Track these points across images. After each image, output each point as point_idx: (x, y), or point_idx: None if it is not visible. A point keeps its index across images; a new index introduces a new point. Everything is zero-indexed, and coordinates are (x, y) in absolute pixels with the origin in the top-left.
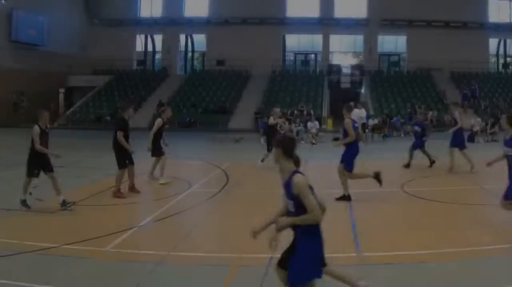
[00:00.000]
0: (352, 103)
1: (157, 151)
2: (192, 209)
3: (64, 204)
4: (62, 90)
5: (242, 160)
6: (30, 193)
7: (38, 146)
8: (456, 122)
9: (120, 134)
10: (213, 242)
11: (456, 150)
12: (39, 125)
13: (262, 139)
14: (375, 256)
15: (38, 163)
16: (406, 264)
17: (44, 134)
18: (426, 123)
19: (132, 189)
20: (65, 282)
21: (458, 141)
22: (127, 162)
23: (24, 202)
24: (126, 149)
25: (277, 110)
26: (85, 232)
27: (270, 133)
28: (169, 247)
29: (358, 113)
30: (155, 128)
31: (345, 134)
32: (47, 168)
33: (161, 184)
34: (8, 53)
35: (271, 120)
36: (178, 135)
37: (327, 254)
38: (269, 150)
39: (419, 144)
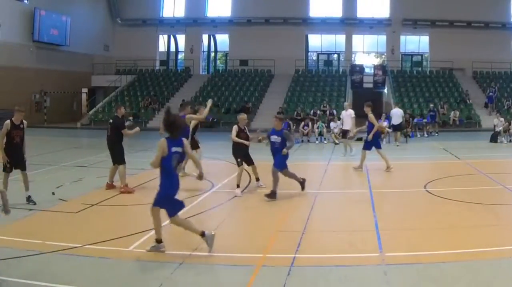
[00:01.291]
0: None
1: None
2: (214, 209)
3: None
4: (85, 90)
5: (265, 159)
6: (53, 193)
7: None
8: (371, 125)
9: (124, 132)
10: (235, 242)
11: (368, 152)
12: (11, 120)
13: None
14: (398, 256)
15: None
16: (428, 264)
17: (17, 130)
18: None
19: (111, 186)
20: (88, 282)
21: (374, 143)
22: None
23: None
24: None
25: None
26: (107, 232)
27: None
28: (191, 247)
29: (351, 114)
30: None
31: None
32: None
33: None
34: (31, 53)
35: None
36: (201, 135)
37: (350, 254)
38: None
39: (367, 146)
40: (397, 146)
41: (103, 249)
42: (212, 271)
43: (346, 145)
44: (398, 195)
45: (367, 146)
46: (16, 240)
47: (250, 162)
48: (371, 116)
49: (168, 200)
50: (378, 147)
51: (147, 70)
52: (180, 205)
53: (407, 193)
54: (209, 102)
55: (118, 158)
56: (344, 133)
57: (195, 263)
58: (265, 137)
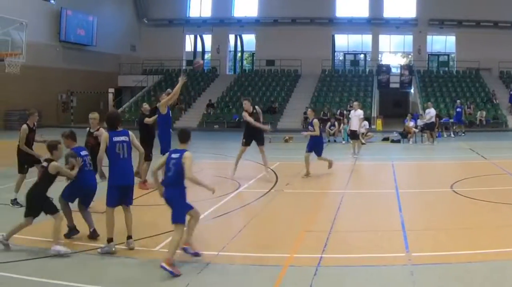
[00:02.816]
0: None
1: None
2: (241, 209)
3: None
4: (111, 90)
5: (292, 159)
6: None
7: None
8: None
9: (146, 121)
10: (262, 242)
11: (312, 155)
12: (27, 124)
13: None
14: (424, 256)
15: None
16: (455, 264)
17: (31, 133)
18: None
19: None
20: (115, 282)
21: (317, 149)
22: (151, 155)
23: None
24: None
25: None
26: (134, 232)
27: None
28: (218, 247)
29: (360, 115)
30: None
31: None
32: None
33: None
34: (58, 53)
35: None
36: (228, 135)
37: (376, 254)
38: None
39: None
40: (431, 144)
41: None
42: (239, 271)
43: (355, 145)
44: (425, 195)
45: (309, 148)
46: (42, 240)
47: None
48: (315, 121)
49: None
50: (319, 154)
51: (173, 70)
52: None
53: (434, 193)
54: (182, 79)
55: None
56: (352, 133)
57: (222, 263)
58: (291, 137)
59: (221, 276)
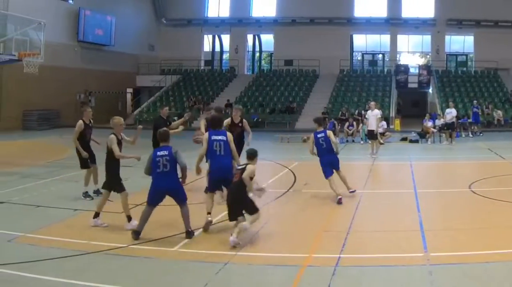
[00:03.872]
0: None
1: None
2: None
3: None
4: (129, 90)
5: (310, 159)
6: (100, 193)
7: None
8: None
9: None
10: (280, 242)
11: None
12: (83, 120)
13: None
14: (443, 256)
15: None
16: (473, 264)
17: (87, 129)
18: None
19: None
20: (133, 282)
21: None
22: None
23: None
24: None
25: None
26: (152, 232)
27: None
28: (236, 247)
29: (377, 114)
30: None
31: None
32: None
33: None
34: (76, 53)
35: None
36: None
37: (395, 254)
38: None
39: None
40: (449, 144)
41: (148, 249)
42: (257, 271)
43: (374, 145)
44: (443, 195)
45: None
46: (61, 240)
47: None
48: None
49: None
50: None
51: (192, 70)
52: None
53: (452, 193)
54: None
55: None
56: (370, 133)
57: (240, 263)
58: (309, 137)
59: (239, 276)
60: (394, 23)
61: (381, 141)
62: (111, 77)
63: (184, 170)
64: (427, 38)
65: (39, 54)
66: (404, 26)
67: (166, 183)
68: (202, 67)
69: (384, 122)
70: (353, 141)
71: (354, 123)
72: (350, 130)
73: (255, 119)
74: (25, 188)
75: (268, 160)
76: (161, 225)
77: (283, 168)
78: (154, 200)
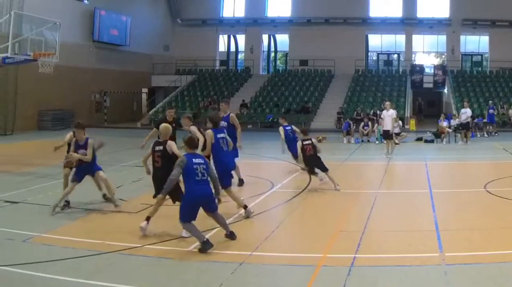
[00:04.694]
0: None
1: None
2: (274, 209)
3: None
4: (145, 90)
5: (325, 160)
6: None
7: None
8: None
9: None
10: (295, 242)
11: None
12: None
13: (345, 139)
14: (458, 256)
15: None
16: (489, 264)
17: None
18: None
19: None
20: (148, 282)
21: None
22: None
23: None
24: None
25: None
26: (167, 232)
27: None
28: (251, 247)
29: (392, 114)
30: None
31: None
32: None
33: None
34: (91, 53)
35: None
36: (261, 135)
37: (410, 254)
38: None
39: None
40: (464, 144)
41: (163, 249)
42: (272, 271)
43: (389, 145)
44: (458, 195)
45: None
46: (76, 240)
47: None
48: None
49: None
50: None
51: (207, 70)
52: None
53: (467, 193)
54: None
55: None
56: (385, 133)
57: (255, 264)
58: (325, 137)
59: (254, 276)
60: (409, 23)
61: (397, 141)
62: (126, 77)
63: (216, 181)
64: (442, 38)
65: (54, 54)
66: (419, 26)
67: (204, 191)
68: (217, 67)
69: (400, 122)
70: (368, 141)
71: (369, 123)
72: (365, 130)
73: (270, 119)
74: (39, 188)
75: (283, 160)
76: (176, 225)
77: (298, 168)
78: (189, 213)
